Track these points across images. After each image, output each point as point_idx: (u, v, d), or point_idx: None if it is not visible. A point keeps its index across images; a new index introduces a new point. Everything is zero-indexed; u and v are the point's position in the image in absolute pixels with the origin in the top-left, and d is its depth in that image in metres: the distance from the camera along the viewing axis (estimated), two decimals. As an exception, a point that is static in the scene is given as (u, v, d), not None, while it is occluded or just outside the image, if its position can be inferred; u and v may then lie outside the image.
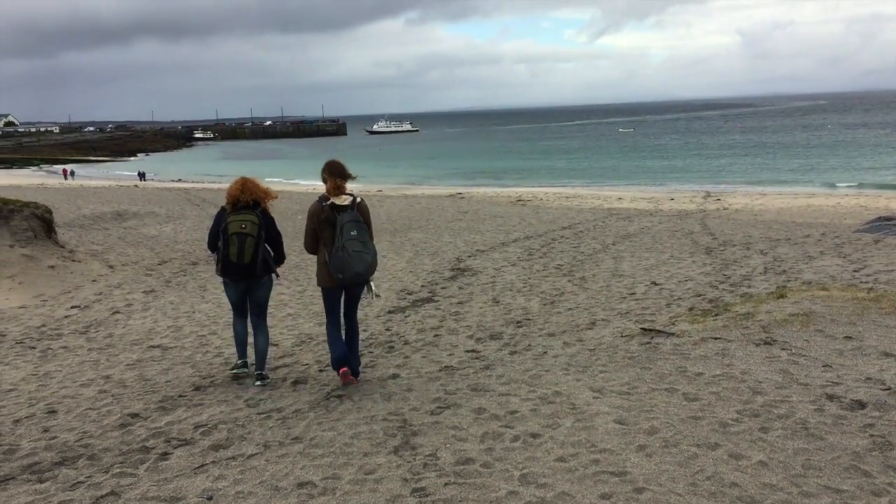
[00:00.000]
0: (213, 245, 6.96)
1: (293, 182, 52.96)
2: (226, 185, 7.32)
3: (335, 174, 6.48)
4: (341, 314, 6.81)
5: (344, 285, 6.53)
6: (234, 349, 7.62)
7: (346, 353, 6.69)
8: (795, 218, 21.48)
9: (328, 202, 6.46)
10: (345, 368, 6.66)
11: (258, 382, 6.96)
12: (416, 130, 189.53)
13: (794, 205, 27.86)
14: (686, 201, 30.75)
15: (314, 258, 6.80)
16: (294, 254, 15.13)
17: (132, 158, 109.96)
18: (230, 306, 7.37)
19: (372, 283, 6.72)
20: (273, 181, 47.68)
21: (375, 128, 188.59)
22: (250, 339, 7.28)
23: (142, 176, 63.48)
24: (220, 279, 7.05)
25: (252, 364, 7.19)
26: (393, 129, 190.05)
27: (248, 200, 6.83)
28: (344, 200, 6.49)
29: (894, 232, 15.12)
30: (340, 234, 6.30)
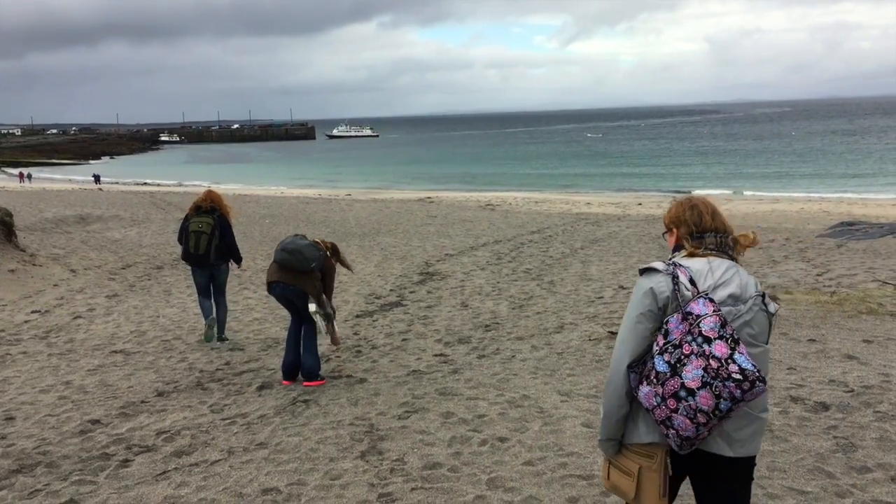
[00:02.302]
0: (180, 239, 8.74)
1: (264, 188, 52.56)
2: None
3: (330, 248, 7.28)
4: (298, 318, 7.15)
5: (278, 262, 6.89)
6: (197, 354, 8.25)
7: (293, 363, 7.10)
8: (760, 223, 21.75)
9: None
10: (283, 381, 7.11)
11: (219, 343, 8.66)
12: (377, 136, 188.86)
13: (758, 210, 28.24)
14: (654, 206, 31.03)
15: None
16: (261, 258, 14.99)
17: (96, 162, 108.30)
18: (197, 290, 8.90)
19: (320, 318, 7.02)
20: (234, 188, 47.46)
21: (335, 132, 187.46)
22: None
23: (97, 179, 62.56)
24: (188, 267, 8.79)
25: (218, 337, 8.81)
26: (353, 133, 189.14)
27: (208, 206, 8.60)
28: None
29: (856, 237, 15.38)
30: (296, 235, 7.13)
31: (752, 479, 2.98)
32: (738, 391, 2.60)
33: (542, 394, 6.14)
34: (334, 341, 7.53)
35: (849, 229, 16.78)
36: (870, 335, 7.20)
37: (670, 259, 2.98)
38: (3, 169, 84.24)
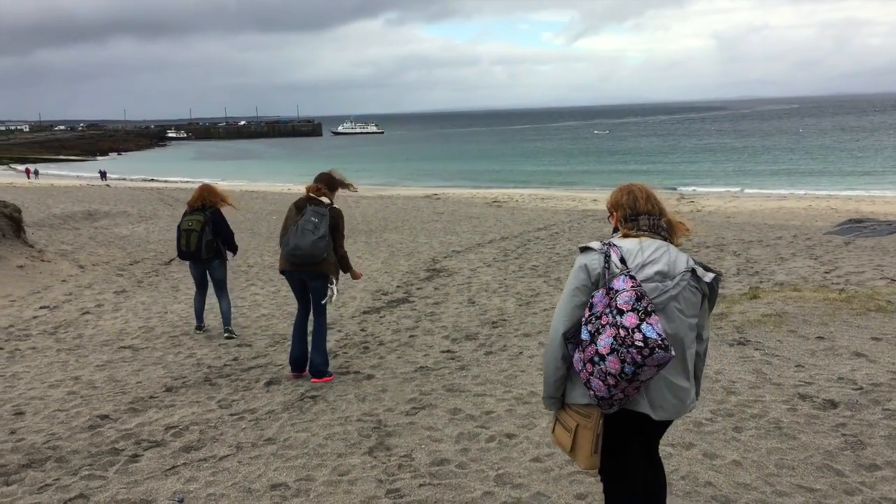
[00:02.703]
0: (177, 235, 8.91)
1: (271, 184, 52.62)
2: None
3: (319, 180, 7.00)
4: (310, 307, 7.12)
5: (290, 263, 6.81)
6: (205, 350, 8.29)
7: (301, 357, 7.12)
8: (767, 220, 21.71)
9: (307, 194, 6.93)
10: (292, 374, 7.17)
11: (226, 335, 8.80)
12: (382, 132, 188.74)
13: (766, 207, 28.16)
14: (660, 203, 30.98)
15: None
16: (268, 254, 15.02)
17: (103, 158, 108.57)
18: (194, 283, 9.16)
19: (331, 287, 6.90)
20: (241, 184, 47.56)
21: (340, 129, 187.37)
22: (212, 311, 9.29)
23: (103, 175, 62.75)
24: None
25: (210, 327, 9.20)
26: (358, 130, 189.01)
27: (198, 204, 8.75)
28: (321, 198, 6.90)
29: (864, 234, 15.32)
30: (301, 216, 6.76)
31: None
32: (639, 356, 2.92)
33: (550, 390, 6.14)
34: (355, 276, 7.29)
35: (857, 226, 16.72)
36: (878, 333, 7.18)
37: (607, 239, 3.30)
38: (11, 165, 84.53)
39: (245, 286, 12.09)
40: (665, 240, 3.31)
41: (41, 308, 10.53)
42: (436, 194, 37.20)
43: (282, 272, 7.06)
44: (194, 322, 9.22)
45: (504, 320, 9.26)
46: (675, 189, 42.46)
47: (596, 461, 3.26)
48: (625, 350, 2.94)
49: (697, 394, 3.40)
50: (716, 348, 7.00)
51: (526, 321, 9.16)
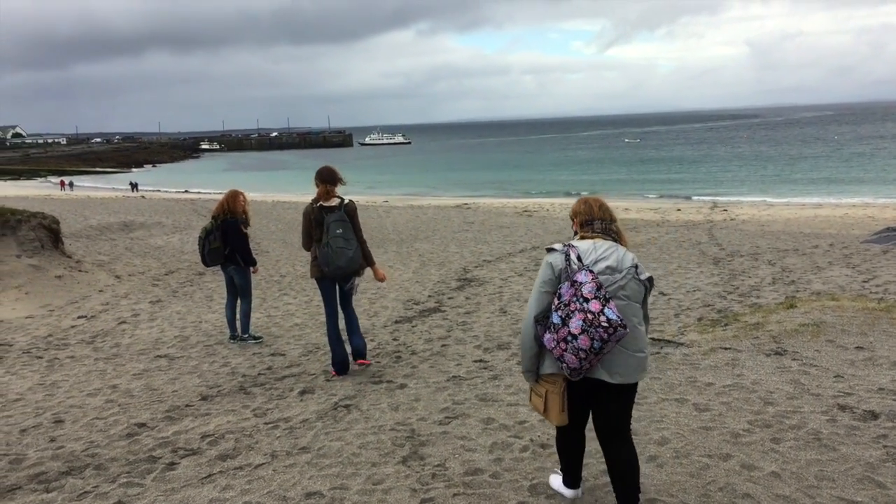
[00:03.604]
0: None
1: (302, 195, 53.04)
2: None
3: (325, 180, 7.22)
4: (338, 307, 7.52)
5: (330, 277, 7.27)
6: (239, 359, 8.42)
7: (345, 358, 7.56)
8: (803, 228, 21.41)
9: (318, 204, 7.22)
10: (334, 372, 7.55)
11: (243, 336, 9.12)
12: (409, 143, 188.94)
13: (801, 215, 27.78)
14: (693, 212, 30.70)
15: None
16: (300, 264, 15.13)
17: (138, 170, 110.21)
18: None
19: (357, 280, 7.47)
20: (272, 195, 47.94)
21: (367, 140, 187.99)
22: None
23: (134, 186, 63.68)
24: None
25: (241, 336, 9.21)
26: (385, 141, 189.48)
27: (218, 211, 9.02)
28: (332, 202, 7.24)
29: (903, 242, 15.03)
30: (327, 232, 7.10)
31: (633, 402, 4.15)
32: (606, 334, 3.70)
33: (584, 400, 6.11)
34: (379, 276, 7.73)
35: (895, 235, 16.42)
36: (919, 343, 7.04)
37: (568, 241, 4.07)
38: (48, 178, 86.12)
39: (278, 296, 12.18)
40: (615, 241, 4.06)
41: (79, 318, 10.71)
42: (466, 204, 37.23)
43: (318, 279, 7.39)
44: (228, 331, 9.32)
45: (536, 330, 9.21)
46: (708, 198, 42.03)
47: (565, 418, 4.07)
48: (593, 330, 3.71)
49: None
50: (752, 358, 6.91)
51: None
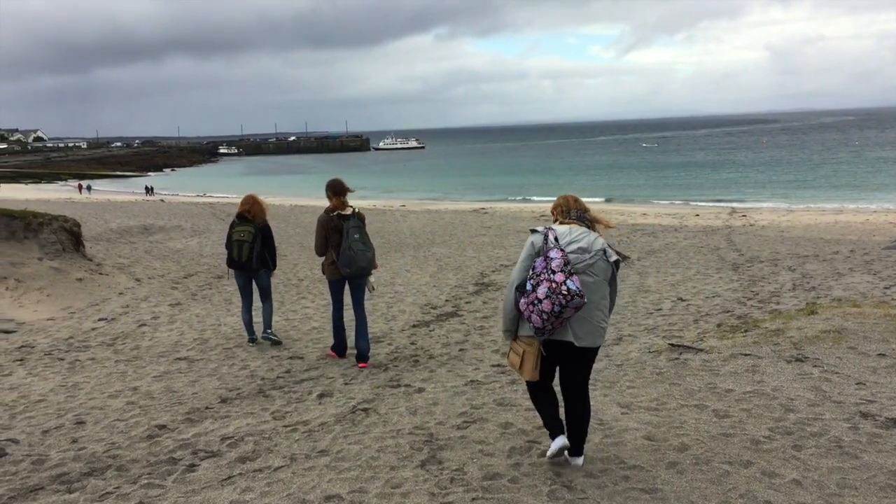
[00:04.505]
0: (228, 245, 9.17)
1: (320, 199, 53.15)
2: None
3: (338, 192, 8.01)
4: (343, 303, 8.29)
5: (349, 277, 8.04)
6: (258, 362, 8.43)
7: (345, 343, 8.47)
8: (823, 234, 21.23)
9: (335, 213, 7.98)
10: (333, 354, 8.49)
11: (267, 339, 9.22)
12: (423, 147, 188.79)
13: (821, 221, 27.54)
14: (711, 217, 30.52)
15: None
16: (318, 268, 15.17)
17: (157, 174, 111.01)
18: (239, 292, 9.43)
19: (372, 278, 8.30)
20: (290, 199, 48.15)
21: (381, 145, 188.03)
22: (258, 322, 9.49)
23: (149, 190, 64.16)
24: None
25: (264, 334, 9.31)
26: (399, 145, 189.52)
27: (249, 215, 8.99)
28: (346, 211, 8.02)
29: (925, 248, 14.88)
30: (346, 237, 7.86)
31: (593, 363, 4.91)
32: (564, 301, 4.45)
33: (602, 406, 6.09)
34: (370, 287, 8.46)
35: (917, 241, 16.24)
36: (943, 350, 6.96)
37: (549, 226, 4.87)
38: (68, 181, 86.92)
39: (296, 299, 12.24)
40: (589, 228, 4.83)
41: (100, 320, 10.80)
42: (483, 208, 37.23)
43: (333, 281, 8.13)
44: (246, 335, 9.36)
45: (554, 335, 9.19)
46: (727, 204, 41.77)
47: (536, 374, 4.77)
48: (555, 296, 4.46)
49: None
50: (772, 364, 6.87)
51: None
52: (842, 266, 13.26)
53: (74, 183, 78.09)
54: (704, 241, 18.55)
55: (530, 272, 4.64)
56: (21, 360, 8.74)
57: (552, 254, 4.58)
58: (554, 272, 4.49)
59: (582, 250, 4.65)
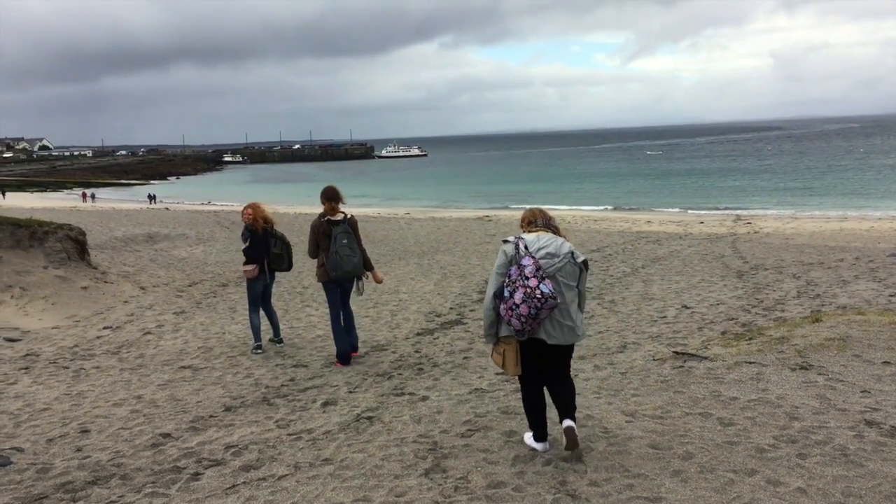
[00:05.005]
0: (253, 251, 9.25)
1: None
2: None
3: (330, 198, 8.38)
4: (340, 306, 8.56)
5: (337, 280, 8.36)
6: (263, 370, 8.46)
7: (348, 350, 8.58)
8: (828, 241, 21.19)
9: (325, 218, 8.37)
10: (339, 365, 8.49)
11: (272, 339, 9.59)
12: (425, 155, 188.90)
13: (826, 228, 27.50)
14: (716, 225, 30.50)
15: None
16: (323, 276, 15.19)
17: (161, 182, 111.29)
18: (251, 302, 9.42)
19: (362, 282, 8.62)
20: (295, 207, 48.24)
21: (384, 153, 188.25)
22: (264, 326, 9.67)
23: (152, 198, 64.38)
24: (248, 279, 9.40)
25: (266, 348, 9.43)
26: (401, 153, 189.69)
27: (266, 223, 9.27)
28: (337, 217, 8.41)
29: (931, 256, 14.84)
30: (335, 241, 8.25)
31: (570, 357, 5.30)
32: (539, 304, 4.81)
33: (606, 414, 6.08)
34: (377, 279, 8.85)
35: (923, 248, 16.20)
36: (948, 358, 6.94)
37: (518, 236, 5.19)
38: (73, 189, 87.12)
39: (300, 307, 12.25)
40: (555, 234, 5.21)
41: (104, 328, 10.83)
42: (487, 216, 37.23)
43: (325, 283, 8.46)
44: (252, 343, 9.37)
45: (558, 343, 9.19)
46: (731, 211, 41.73)
47: (519, 369, 5.12)
48: (531, 300, 4.81)
49: (582, 330, 5.24)
50: (777, 373, 6.85)
51: (580, 344, 9.08)
52: (847, 273, 13.23)
53: (79, 191, 78.31)
54: (709, 249, 18.54)
55: (506, 279, 4.99)
56: (26, 368, 8.76)
57: (524, 261, 4.92)
58: (528, 278, 4.85)
59: (551, 255, 5.00)
